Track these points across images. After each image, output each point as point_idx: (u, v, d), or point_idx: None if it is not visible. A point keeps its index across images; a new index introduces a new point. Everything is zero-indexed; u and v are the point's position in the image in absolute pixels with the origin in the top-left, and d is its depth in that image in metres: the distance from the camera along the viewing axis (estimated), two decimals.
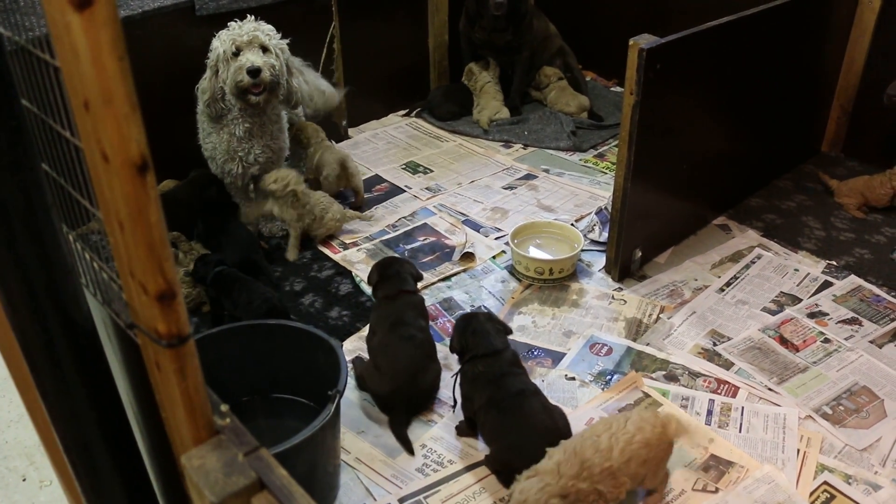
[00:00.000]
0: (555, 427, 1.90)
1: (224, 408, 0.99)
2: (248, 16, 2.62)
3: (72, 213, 1.07)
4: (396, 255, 2.81)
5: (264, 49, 2.57)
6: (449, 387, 2.21)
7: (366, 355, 2.27)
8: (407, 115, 3.98)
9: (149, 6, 2.80)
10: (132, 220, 0.81)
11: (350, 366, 2.25)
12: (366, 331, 2.34)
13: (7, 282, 1.02)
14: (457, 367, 2.30)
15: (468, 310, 2.58)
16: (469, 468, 2.01)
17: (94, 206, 0.93)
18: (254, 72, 2.53)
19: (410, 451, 2.05)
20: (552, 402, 2.00)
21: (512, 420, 1.90)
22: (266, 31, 2.58)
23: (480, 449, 2.06)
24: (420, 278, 2.37)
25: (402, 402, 2.13)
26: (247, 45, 2.55)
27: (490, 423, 1.95)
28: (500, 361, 1.98)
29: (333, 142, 3.25)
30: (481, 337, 2.02)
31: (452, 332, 2.11)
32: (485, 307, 2.59)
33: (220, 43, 2.57)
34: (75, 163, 0.97)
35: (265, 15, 2.78)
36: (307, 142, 3.14)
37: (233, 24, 2.60)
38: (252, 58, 2.53)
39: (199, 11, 2.93)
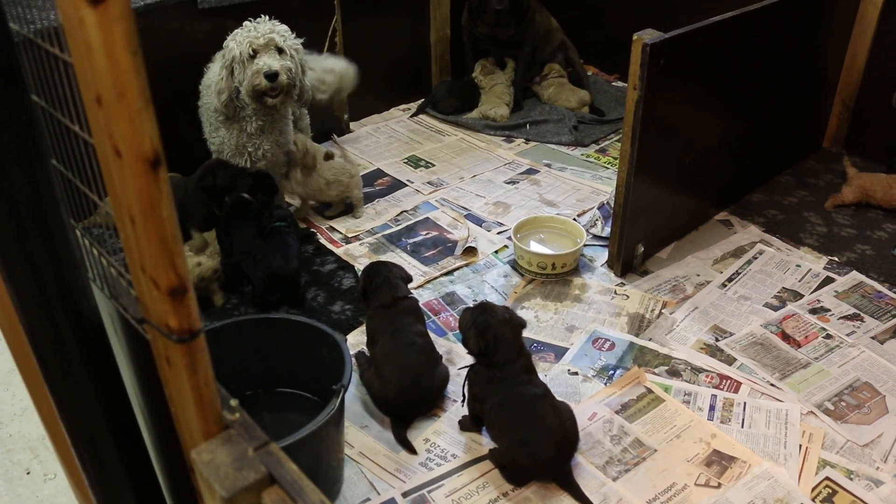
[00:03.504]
0: (562, 427, 1.92)
1: (233, 402, 0.99)
2: (263, 16, 2.62)
3: (80, 208, 1.07)
4: (390, 258, 2.77)
5: (280, 51, 2.58)
6: (452, 383, 2.21)
7: (367, 350, 2.27)
8: (415, 114, 3.96)
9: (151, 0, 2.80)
10: (144, 216, 0.81)
11: (353, 361, 2.25)
12: None
13: (16, 276, 1.02)
14: (458, 360, 2.31)
15: (470, 304, 2.57)
16: (472, 462, 2.02)
17: (104, 200, 0.93)
18: (271, 76, 2.54)
19: (413, 452, 2.05)
20: (556, 397, 2.01)
21: (522, 419, 1.91)
22: (281, 33, 2.59)
23: (484, 443, 2.06)
24: (410, 280, 2.33)
25: (407, 409, 2.13)
26: (263, 47, 2.55)
27: (500, 423, 1.95)
28: (516, 367, 1.97)
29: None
30: (502, 345, 1.96)
31: (468, 327, 2.00)
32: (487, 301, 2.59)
33: (236, 44, 2.57)
34: (84, 158, 0.97)
35: (267, 8, 2.78)
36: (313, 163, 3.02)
37: (248, 23, 2.59)
38: (269, 61, 2.53)
39: (201, 4, 2.93)
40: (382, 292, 2.22)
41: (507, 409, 1.93)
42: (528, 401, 1.92)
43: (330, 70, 2.97)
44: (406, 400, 2.10)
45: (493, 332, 1.96)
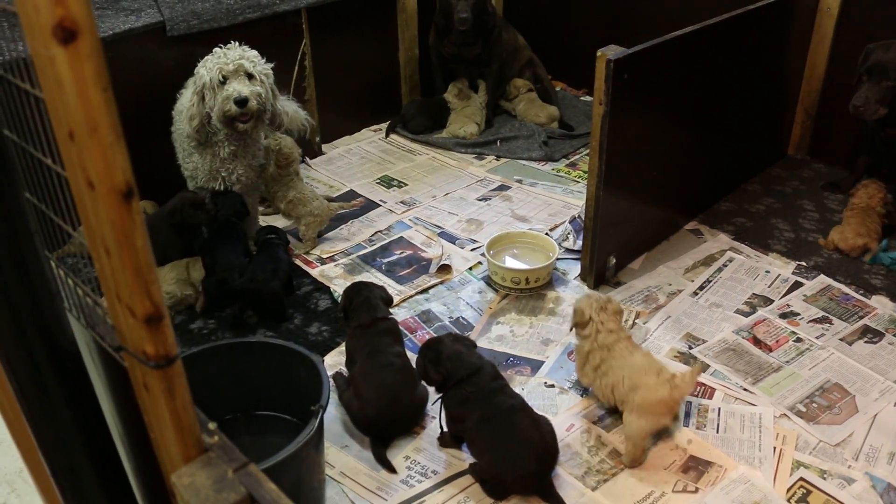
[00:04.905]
0: (542, 441, 1.94)
1: (212, 426, 1.01)
2: (233, 42, 2.64)
3: (54, 239, 1.08)
4: (365, 278, 2.81)
5: (249, 76, 2.60)
6: (432, 400, 2.23)
7: (346, 370, 2.29)
8: (386, 134, 3.98)
9: (119, 28, 2.81)
10: (118, 246, 0.83)
11: (332, 382, 2.26)
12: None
13: None
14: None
15: (446, 321, 2.60)
16: (453, 478, 2.03)
17: (78, 231, 0.95)
18: (241, 102, 2.56)
19: (392, 471, 2.07)
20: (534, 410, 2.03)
21: (503, 434, 1.93)
22: (251, 59, 2.61)
23: (464, 459, 2.08)
24: (390, 302, 2.37)
25: (386, 428, 2.14)
26: (233, 73, 2.58)
27: (482, 438, 1.97)
28: (484, 377, 2.00)
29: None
30: (458, 360, 2.01)
31: (423, 366, 2.05)
32: (463, 318, 2.62)
33: (206, 71, 2.59)
34: (57, 189, 0.98)
35: (236, 34, 2.81)
36: (289, 161, 3.04)
37: (218, 50, 2.61)
38: (239, 87, 2.56)
39: (170, 32, 2.94)
40: (362, 312, 2.25)
41: (487, 424, 1.95)
42: (507, 414, 1.95)
43: (285, 113, 2.99)
44: (385, 420, 2.11)
45: (445, 353, 2.01)
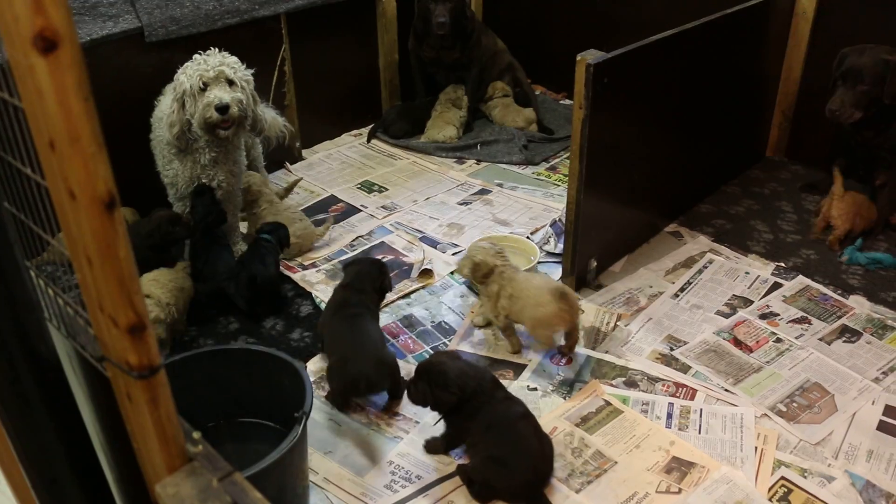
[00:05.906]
0: (542, 453, 1.95)
1: (196, 435, 1.01)
2: (212, 48, 2.63)
3: (32, 247, 1.07)
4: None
5: (230, 83, 2.59)
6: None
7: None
8: (368, 140, 3.98)
9: (97, 34, 2.79)
10: (101, 256, 0.82)
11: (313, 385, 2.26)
12: None
13: None
14: None
15: (428, 326, 2.61)
16: (437, 482, 2.03)
17: (57, 238, 0.94)
18: (222, 108, 2.55)
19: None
20: None
21: (505, 438, 1.94)
22: (231, 65, 2.60)
23: (448, 463, 2.08)
24: (384, 289, 2.50)
25: (376, 378, 2.18)
26: (213, 80, 2.56)
27: (484, 443, 1.96)
28: (488, 384, 1.99)
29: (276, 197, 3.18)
30: (466, 375, 1.96)
31: (426, 392, 1.97)
32: (445, 322, 2.62)
33: (187, 77, 2.58)
34: (35, 197, 0.97)
35: (216, 40, 2.79)
36: (255, 198, 3.04)
37: (198, 56, 2.60)
38: (220, 94, 2.54)
39: (148, 38, 2.92)
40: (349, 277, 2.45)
41: (493, 430, 1.95)
42: (513, 420, 1.96)
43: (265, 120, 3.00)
44: (371, 370, 2.16)
45: (454, 372, 1.96)
